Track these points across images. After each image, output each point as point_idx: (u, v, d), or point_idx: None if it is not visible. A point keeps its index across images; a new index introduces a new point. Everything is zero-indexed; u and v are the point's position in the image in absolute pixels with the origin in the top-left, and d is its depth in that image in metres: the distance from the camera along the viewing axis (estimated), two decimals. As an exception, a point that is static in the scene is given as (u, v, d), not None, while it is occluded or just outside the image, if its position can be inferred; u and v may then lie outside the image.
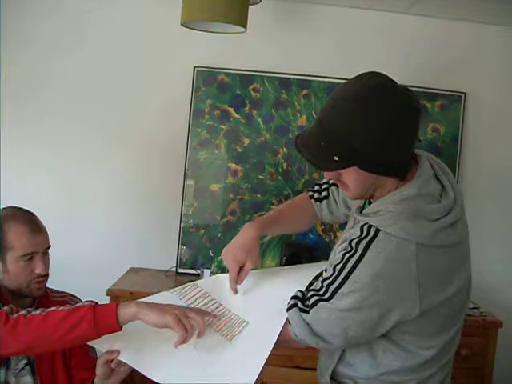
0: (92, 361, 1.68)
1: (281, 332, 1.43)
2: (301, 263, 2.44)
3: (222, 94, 2.96)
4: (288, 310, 1.43)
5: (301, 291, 1.47)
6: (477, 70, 2.98)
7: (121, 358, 1.44)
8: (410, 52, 2.95)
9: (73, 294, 1.96)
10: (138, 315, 1.38)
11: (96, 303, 1.44)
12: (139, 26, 2.94)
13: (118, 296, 2.51)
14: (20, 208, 1.83)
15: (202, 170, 2.97)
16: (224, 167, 2.98)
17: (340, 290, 1.36)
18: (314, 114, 2.92)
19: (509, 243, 3.03)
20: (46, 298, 1.85)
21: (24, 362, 1.75)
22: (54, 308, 1.44)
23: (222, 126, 2.97)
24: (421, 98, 2.88)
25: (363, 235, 1.37)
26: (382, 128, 1.31)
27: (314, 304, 1.39)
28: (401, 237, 1.33)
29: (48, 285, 1.86)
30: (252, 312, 1.55)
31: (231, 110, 2.97)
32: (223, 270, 1.68)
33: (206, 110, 2.96)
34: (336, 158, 1.34)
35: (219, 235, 2.96)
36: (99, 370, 1.51)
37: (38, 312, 1.43)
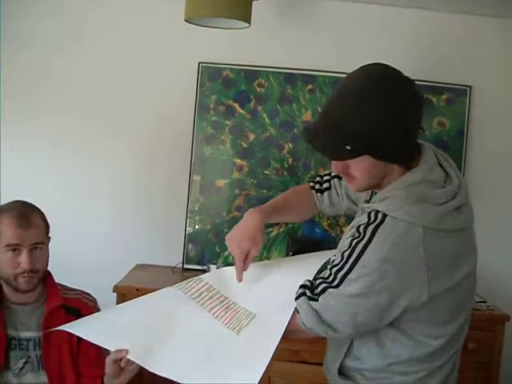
0: (102, 358, 1.69)
1: (289, 322, 1.43)
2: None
3: (226, 89, 2.96)
4: (296, 299, 1.43)
5: (309, 280, 1.47)
6: (482, 63, 2.96)
7: (129, 356, 1.43)
8: (415, 46, 2.93)
9: (87, 291, 1.98)
10: None
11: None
12: (143, 23, 2.94)
13: (124, 293, 2.52)
14: (24, 202, 1.85)
15: (207, 165, 2.97)
16: (229, 163, 2.98)
17: (348, 276, 1.36)
18: (319, 109, 2.91)
19: (515, 236, 3.02)
20: (55, 294, 1.86)
21: (23, 360, 1.76)
22: None
23: (227, 122, 2.97)
24: (426, 92, 2.88)
25: (371, 220, 1.38)
26: (388, 114, 1.32)
27: (323, 291, 1.39)
28: (407, 220, 1.34)
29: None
30: (258, 304, 1.55)
31: (236, 105, 2.96)
32: (230, 265, 1.68)
33: (211, 106, 2.96)
34: (348, 148, 1.34)
35: (225, 231, 2.96)
36: (108, 368, 1.51)
37: None
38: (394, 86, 1.35)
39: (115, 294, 2.55)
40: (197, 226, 2.97)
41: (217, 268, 2.73)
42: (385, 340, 1.46)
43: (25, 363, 1.76)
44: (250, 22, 2.45)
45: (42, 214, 1.85)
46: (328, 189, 1.75)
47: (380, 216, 1.37)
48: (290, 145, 2.96)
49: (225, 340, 1.46)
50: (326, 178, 1.76)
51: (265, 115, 2.96)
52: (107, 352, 1.49)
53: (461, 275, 1.40)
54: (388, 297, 1.35)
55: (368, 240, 1.35)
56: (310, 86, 2.95)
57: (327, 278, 1.41)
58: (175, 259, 2.94)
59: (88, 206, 3.00)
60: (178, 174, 2.98)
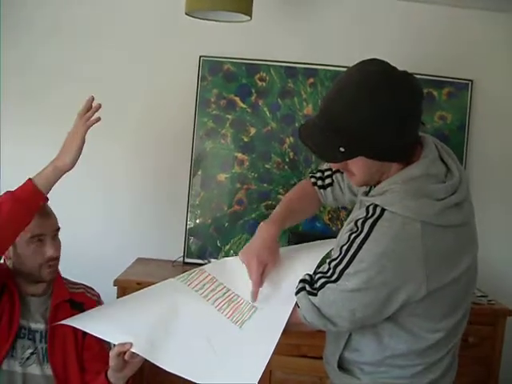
0: (106, 353, 1.69)
1: (290, 315, 1.44)
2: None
3: (227, 83, 2.95)
4: (296, 293, 1.44)
5: (309, 274, 1.47)
6: (484, 57, 2.96)
7: (133, 349, 1.44)
8: (417, 40, 2.92)
9: (90, 286, 1.98)
10: (53, 167, 1.64)
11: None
12: (143, 16, 2.92)
13: (125, 286, 2.52)
14: None
15: (208, 159, 2.97)
16: (230, 157, 2.97)
17: (347, 271, 1.36)
18: (320, 103, 2.90)
19: (516, 231, 3.02)
20: (62, 288, 1.87)
21: (30, 351, 1.76)
22: None
23: (228, 116, 2.96)
24: (428, 86, 2.87)
25: (369, 215, 1.38)
26: (384, 114, 1.31)
27: (322, 286, 1.39)
28: (405, 215, 1.34)
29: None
30: (260, 297, 1.55)
31: (237, 99, 2.96)
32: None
33: (212, 100, 2.95)
34: (342, 150, 1.34)
35: (226, 225, 2.96)
36: (112, 362, 1.51)
37: None
38: (390, 85, 1.33)
39: (116, 287, 2.55)
40: (198, 220, 2.97)
41: (218, 262, 2.73)
42: (382, 334, 1.47)
43: (31, 354, 1.76)
44: (251, 16, 2.44)
45: None
46: (330, 184, 1.75)
47: (378, 210, 1.37)
48: (291, 139, 2.95)
49: (228, 335, 1.47)
50: (327, 173, 1.76)
51: (266, 109, 2.96)
52: (111, 346, 1.49)
53: (460, 271, 1.40)
54: (386, 292, 1.35)
55: (366, 234, 1.35)
56: (311, 80, 2.94)
57: (326, 272, 1.41)
58: (176, 253, 2.94)
59: (88, 200, 2.99)
60: (178, 167, 2.98)
